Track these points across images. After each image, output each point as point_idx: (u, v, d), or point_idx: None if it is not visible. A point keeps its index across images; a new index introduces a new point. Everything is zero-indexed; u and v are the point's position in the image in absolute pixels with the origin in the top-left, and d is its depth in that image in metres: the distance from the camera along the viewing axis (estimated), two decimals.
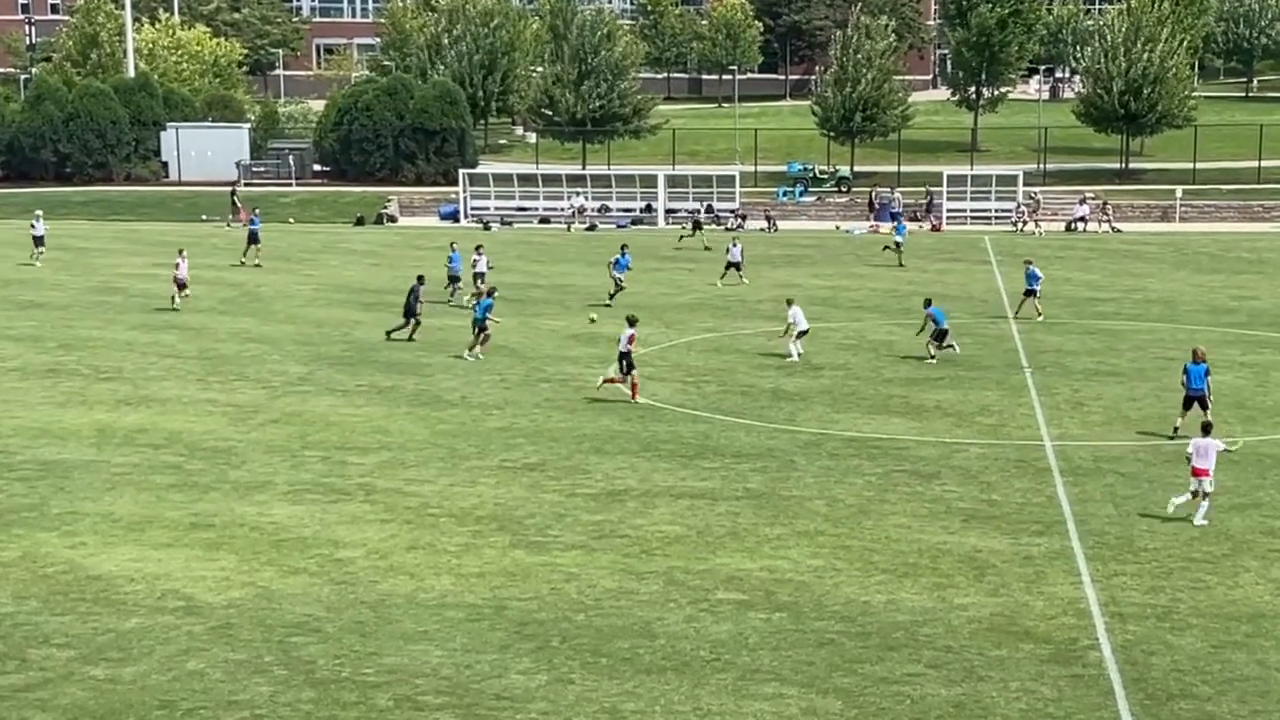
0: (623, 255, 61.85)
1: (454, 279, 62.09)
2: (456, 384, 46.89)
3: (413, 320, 53.55)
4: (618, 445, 39.42)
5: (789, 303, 51.89)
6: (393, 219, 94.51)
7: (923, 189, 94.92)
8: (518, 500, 34.58)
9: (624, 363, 44.59)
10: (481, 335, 50.73)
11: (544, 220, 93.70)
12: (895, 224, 76.99)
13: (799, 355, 50.34)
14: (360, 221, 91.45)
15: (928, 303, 51.51)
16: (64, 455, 38.39)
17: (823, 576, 29.50)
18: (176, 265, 60.21)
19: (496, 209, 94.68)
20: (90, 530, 32.36)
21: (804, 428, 41.36)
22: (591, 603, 28.06)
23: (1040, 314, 58.06)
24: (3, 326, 56.01)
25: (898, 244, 73.65)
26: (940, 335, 50.40)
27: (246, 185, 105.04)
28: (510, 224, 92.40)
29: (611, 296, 60.71)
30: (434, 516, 33.37)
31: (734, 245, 68.76)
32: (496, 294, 53.82)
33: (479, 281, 60.19)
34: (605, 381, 44.69)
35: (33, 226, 74.20)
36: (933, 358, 50.08)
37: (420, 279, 54.92)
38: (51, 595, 28.45)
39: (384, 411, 43.32)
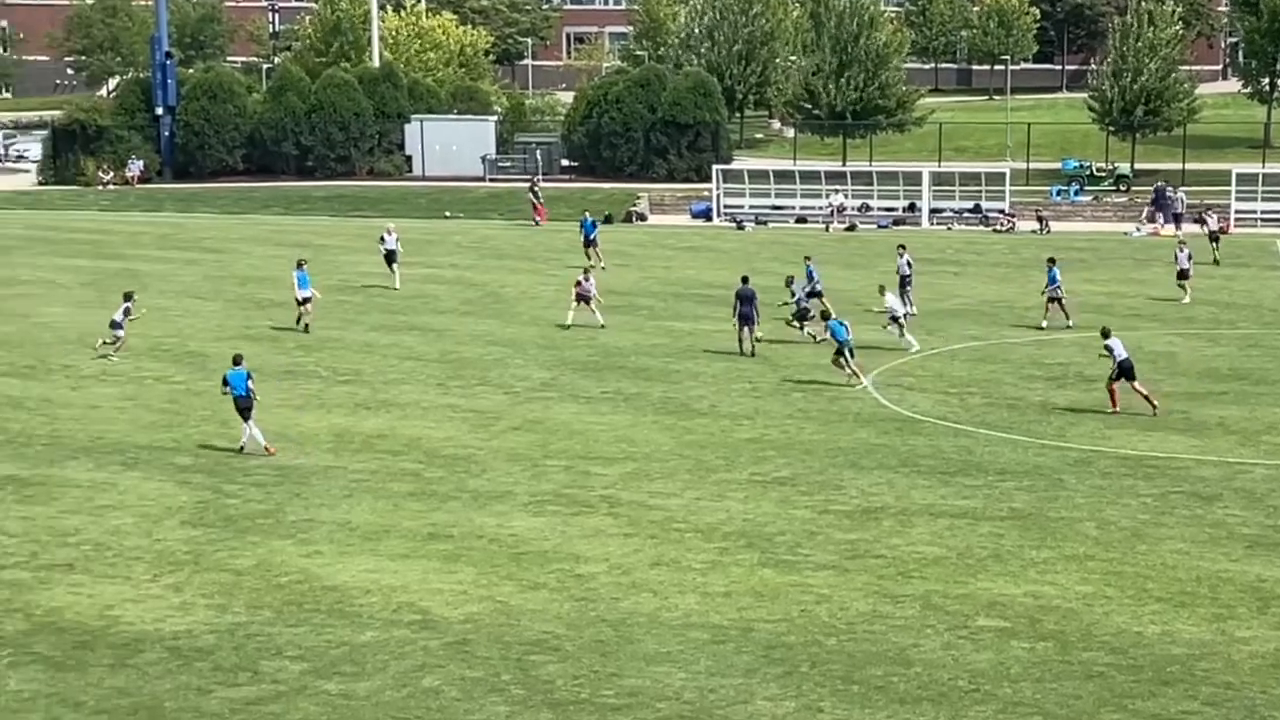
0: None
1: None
2: (705, 392, 47.08)
3: (747, 326, 52.31)
4: (874, 459, 39.31)
5: (881, 290, 54.48)
6: (642, 217, 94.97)
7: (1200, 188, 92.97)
8: (767, 516, 34.65)
9: (1128, 374, 43.86)
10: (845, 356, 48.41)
11: (800, 220, 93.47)
12: None
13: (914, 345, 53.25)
14: (609, 220, 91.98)
15: (789, 281, 55.21)
16: (301, 460, 39.29)
17: (1092, 604, 29.16)
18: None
19: (751, 207, 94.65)
20: (326, 539, 33.10)
21: (1074, 444, 40.87)
22: (843, 626, 28.04)
23: None
24: (241, 325, 57.41)
25: None
26: (801, 315, 53.98)
27: (491, 181, 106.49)
28: (765, 223, 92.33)
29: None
30: (679, 532, 33.56)
31: (1181, 250, 64.78)
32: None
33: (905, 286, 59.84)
34: (1151, 401, 43.83)
35: (382, 241, 67.67)
36: (814, 337, 52.54)
37: (745, 279, 53.19)
38: (285, 606, 29.16)
39: (629, 420, 43.66)
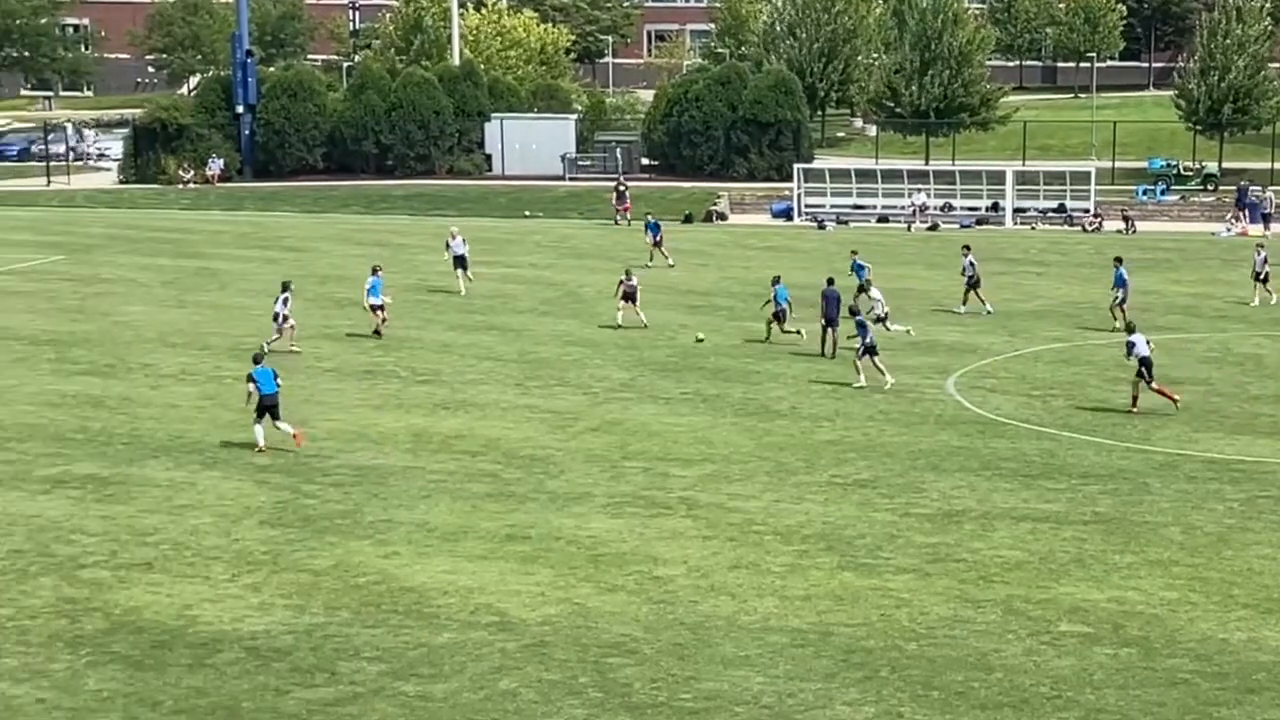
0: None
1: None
2: (785, 393, 47.04)
3: (830, 329, 51.83)
4: (955, 462, 39.19)
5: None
6: (723, 216, 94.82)
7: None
8: (847, 519, 34.61)
9: (1148, 370, 43.96)
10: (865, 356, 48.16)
11: (882, 219, 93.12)
12: None
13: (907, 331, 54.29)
14: (689, 219, 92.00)
15: (776, 280, 54.57)
16: (379, 460, 39.48)
17: (1176, 610, 29.00)
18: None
19: (832, 207, 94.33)
20: (404, 540, 33.25)
21: (1159, 447, 40.64)
22: (924, 631, 27.98)
23: None
24: (320, 324, 57.68)
25: None
26: (779, 315, 53.55)
27: (571, 180, 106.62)
28: (846, 223, 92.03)
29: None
30: (758, 534, 33.56)
31: (1259, 253, 63.25)
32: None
33: (971, 287, 59.90)
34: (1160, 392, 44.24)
35: (447, 246, 66.11)
36: (798, 333, 52.98)
37: (830, 281, 52.92)
38: (363, 607, 29.32)
39: (708, 421, 43.67)
